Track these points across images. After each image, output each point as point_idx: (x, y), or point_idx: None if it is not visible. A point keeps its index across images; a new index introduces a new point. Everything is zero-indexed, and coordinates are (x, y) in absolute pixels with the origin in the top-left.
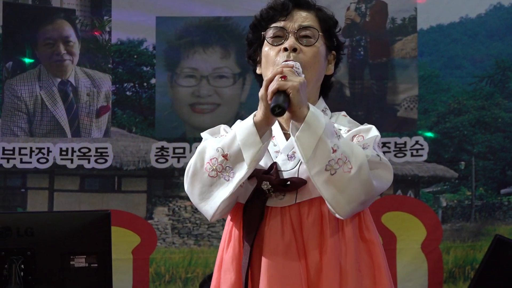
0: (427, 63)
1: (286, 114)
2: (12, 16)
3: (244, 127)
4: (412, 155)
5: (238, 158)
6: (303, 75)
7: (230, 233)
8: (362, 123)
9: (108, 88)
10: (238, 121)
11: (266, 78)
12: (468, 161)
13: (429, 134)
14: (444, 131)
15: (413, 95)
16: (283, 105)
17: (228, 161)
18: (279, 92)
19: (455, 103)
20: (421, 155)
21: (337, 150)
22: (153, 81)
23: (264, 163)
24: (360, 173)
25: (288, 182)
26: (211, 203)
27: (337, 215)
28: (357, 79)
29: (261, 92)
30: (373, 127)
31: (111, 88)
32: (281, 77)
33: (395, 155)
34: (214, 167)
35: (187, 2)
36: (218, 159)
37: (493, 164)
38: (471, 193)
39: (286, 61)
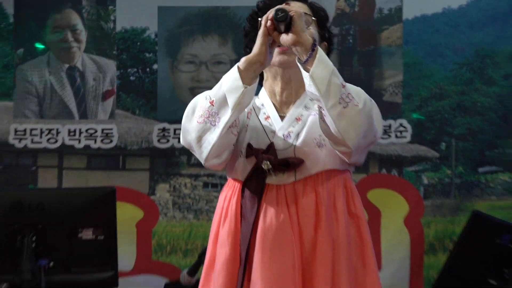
0: (412, 51)
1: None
2: (22, 6)
3: (229, 73)
4: (396, 136)
5: (223, 103)
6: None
7: (227, 209)
8: None
9: (113, 73)
10: None
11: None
12: (449, 142)
13: (413, 117)
14: (427, 115)
15: (398, 81)
16: (286, 13)
17: (213, 106)
18: (281, 10)
19: (437, 88)
20: (405, 137)
21: (346, 86)
22: (155, 66)
23: (261, 142)
24: (365, 107)
25: (289, 162)
26: (202, 147)
27: (342, 148)
28: (346, 66)
29: (260, 30)
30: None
31: (116, 73)
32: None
33: (384, 139)
34: (201, 113)
35: None
36: (205, 106)
37: (472, 145)
38: (451, 172)
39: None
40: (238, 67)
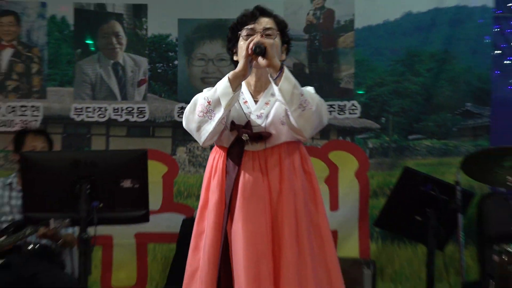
0: (361, 51)
1: (255, 80)
2: (80, 18)
3: (222, 82)
4: (349, 113)
5: (217, 104)
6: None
7: (216, 166)
8: (319, 92)
9: (145, 67)
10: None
11: (246, 44)
12: (387, 118)
13: (361, 99)
14: (371, 98)
15: (351, 73)
16: (262, 47)
17: (210, 105)
18: (258, 46)
19: (379, 79)
20: (356, 113)
21: (304, 95)
22: (176, 62)
23: (241, 120)
24: (317, 109)
25: (261, 135)
26: (201, 134)
27: (299, 137)
28: (313, 62)
29: (243, 52)
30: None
31: (147, 67)
32: (261, 36)
33: (338, 114)
34: (201, 109)
35: (199, 8)
36: (204, 104)
37: (403, 119)
38: (388, 139)
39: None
40: (228, 78)
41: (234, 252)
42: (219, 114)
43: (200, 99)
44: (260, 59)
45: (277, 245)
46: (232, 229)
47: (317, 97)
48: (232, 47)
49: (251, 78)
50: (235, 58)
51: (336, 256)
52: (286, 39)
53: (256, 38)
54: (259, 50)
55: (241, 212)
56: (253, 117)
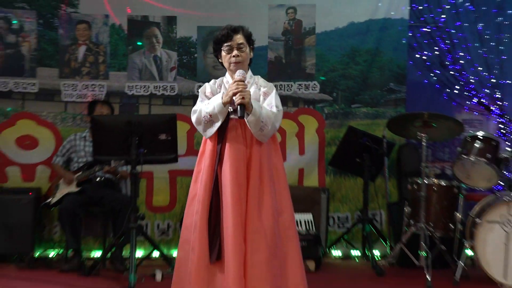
0: (319, 48)
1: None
2: (131, 25)
3: (217, 103)
4: (312, 89)
5: (216, 117)
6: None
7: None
8: (290, 77)
9: (175, 58)
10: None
11: (231, 90)
12: (337, 92)
13: (320, 79)
14: (327, 79)
15: (313, 63)
16: (243, 114)
17: (211, 117)
18: (241, 105)
19: (332, 67)
20: (316, 90)
21: (263, 121)
22: (195, 55)
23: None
24: (272, 127)
25: (237, 111)
26: (207, 134)
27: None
28: (288, 55)
29: (226, 98)
30: (272, 85)
31: (177, 58)
32: (241, 97)
33: (304, 90)
34: (205, 120)
35: (210, 19)
36: (207, 117)
37: (348, 94)
38: (338, 107)
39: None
40: (222, 102)
41: (223, 183)
42: (217, 123)
43: (203, 113)
44: (240, 111)
45: (247, 178)
46: (223, 168)
47: (272, 116)
48: (216, 55)
49: (232, 76)
50: (220, 60)
51: (287, 188)
52: (251, 42)
53: (238, 99)
54: (241, 107)
55: (228, 155)
56: (234, 98)
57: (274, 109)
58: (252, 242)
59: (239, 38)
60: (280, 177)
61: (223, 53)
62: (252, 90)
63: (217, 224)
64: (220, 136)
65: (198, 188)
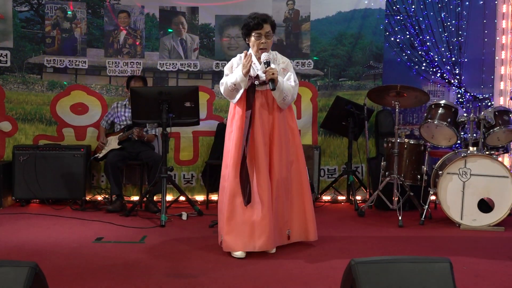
0: (313, 33)
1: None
2: (162, 14)
3: (239, 75)
4: (307, 66)
5: (239, 85)
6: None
7: (240, 98)
8: (290, 56)
9: (197, 41)
10: (236, 64)
11: (248, 63)
12: (328, 69)
13: (314, 59)
14: (320, 58)
15: (308, 44)
16: (274, 87)
17: (235, 86)
18: (272, 80)
19: (323, 48)
20: (310, 66)
21: (285, 92)
22: (214, 38)
23: (253, 72)
24: (291, 97)
25: (265, 82)
26: (234, 99)
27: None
28: (288, 39)
29: (244, 69)
30: (289, 61)
31: (198, 41)
32: (271, 73)
33: (301, 67)
34: (231, 88)
35: (226, 9)
36: (232, 86)
37: (336, 70)
38: (328, 80)
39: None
40: (243, 73)
41: (254, 142)
42: (241, 90)
43: (229, 84)
44: (271, 84)
45: (271, 137)
46: (253, 130)
47: (291, 89)
48: (245, 38)
49: (256, 54)
50: (247, 41)
51: (301, 144)
52: (274, 30)
53: (269, 75)
54: (272, 81)
55: (256, 119)
56: (259, 73)
57: (293, 83)
58: (276, 189)
59: (267, 27)
60: (295, 136)
61: (252, 38)
62: (273, 66)
63: (247, 174)
64: (249, 103)
65: (230, 145)
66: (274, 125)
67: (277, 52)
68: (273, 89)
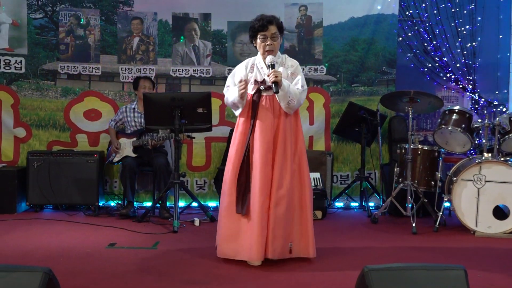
0: (326, 39)
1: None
2: (175, 21)
3: (235, 97)
4: (320, 72)
5: (238, 103)
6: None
7: (246, 104)
8: (302, 62)
9: (210, 47)
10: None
11: (270, 75)
12: (340, 74)
13: (326, 65)
14: (331, 64)
15: (320, 50)
16: (277, 90)
17: (235, 103)
18: (275, 83)
19: (336, 53)
20: (323, 72)
21: (290, 96)
22: (226, 45)
23: (260, 78)
24: (297, 102)
25: (270, 86)
26: (236, 113)
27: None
28: (300, 44)
29: (240, 92)
30: (298, 65)
31: (211, 47)
32: (275, 76)
33: (313, 72)
34: (231, 104)
35: (238, 14)
36: (231, 103)
37: (349, 76)
38: (341, 86)
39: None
40: (238, 94)
41: (254, 149)
42: (241, 107)
43: (230, 99)
44: (274, 87)
45: (274, 144)
46: (254, 136)
47: (298, 93)
48: (252, 40)
49: (264, 55)
50: (254, 44)
51: (305, 152)
52: (282, 31)
53: (272, 77)
54: (275, 84)
55: (258, 126)
56: (265, 78)
57: (300, 88)
58: (276, 198)
59: (273, 29)
60: (298, 143)
61: (258, 40)
62: (280, 69)
63: (247, 182)
64: (253, 111)
65: (232, 151)
66: (278, 131)
67: (286, 56)
68: (277, 92)
